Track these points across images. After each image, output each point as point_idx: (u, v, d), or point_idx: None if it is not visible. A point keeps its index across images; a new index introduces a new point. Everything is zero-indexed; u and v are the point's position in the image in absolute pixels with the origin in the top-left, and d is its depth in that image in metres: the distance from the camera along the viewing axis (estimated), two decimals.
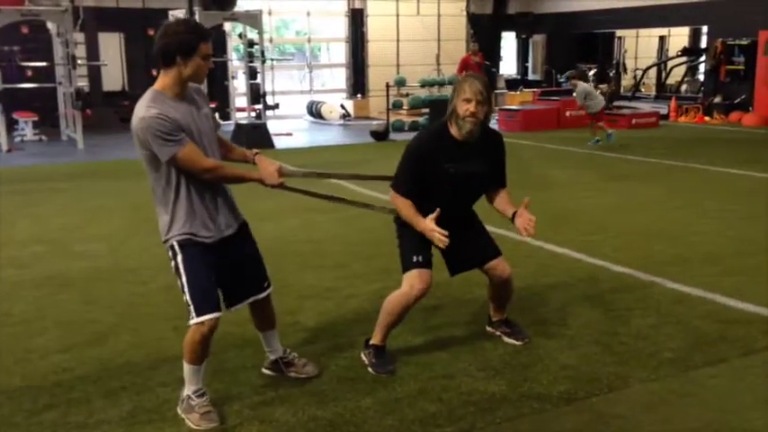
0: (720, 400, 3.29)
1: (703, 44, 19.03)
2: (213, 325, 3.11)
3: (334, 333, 4.17)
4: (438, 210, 3.44)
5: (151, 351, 3.92)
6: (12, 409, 3.31)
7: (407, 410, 3.23)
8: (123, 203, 7.96)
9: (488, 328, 4.11)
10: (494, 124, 15.46)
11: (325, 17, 20.17)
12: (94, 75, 15.92)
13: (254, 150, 3.44)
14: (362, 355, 3.80)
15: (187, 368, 3.23)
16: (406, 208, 3.57)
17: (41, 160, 11.52)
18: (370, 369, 3.69)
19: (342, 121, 17.05)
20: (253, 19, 13.69)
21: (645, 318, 4.27)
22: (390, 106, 14.58)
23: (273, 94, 17.69)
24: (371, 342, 3.76)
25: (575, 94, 12.68)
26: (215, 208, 3.19)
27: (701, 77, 18.93)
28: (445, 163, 3.55)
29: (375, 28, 19.01)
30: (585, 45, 21.39)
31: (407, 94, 15.69)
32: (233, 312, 4.42)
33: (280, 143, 13.27)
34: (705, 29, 18.43)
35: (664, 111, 16.45)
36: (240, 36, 14.37)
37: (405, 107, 15.51)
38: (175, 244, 3.11)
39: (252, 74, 14.37)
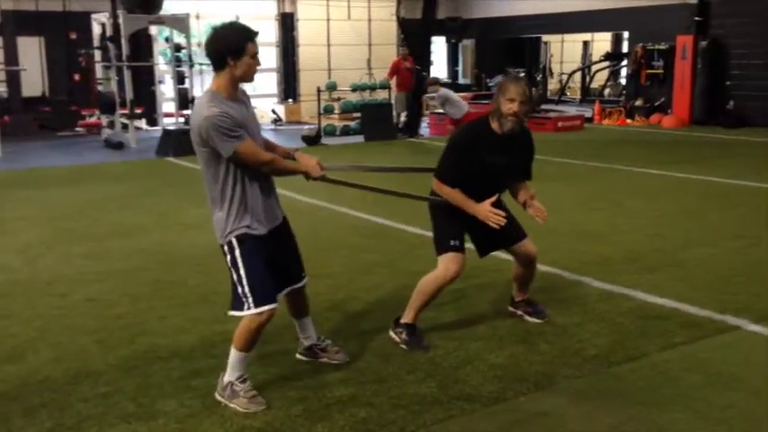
0: (642, 394, 3.39)
1: (625, 49, 19.67)
2: (271, 314, 3.30)
3: (264, 340, 4.05)
4: (496, 196, 3.88)
5: (72, 366, 3.78)
6: None
7: (338, 416, 3.21)
8: (42, 213, 7.67)
9: (510, 308, 4.40)
10: (425, 128, 15.64)
11: (255, 21, 19.99)
12: (13, 80, 15.35)
13: (295, 147, 3.68)
14: (392, 334, 4.02)
15: (235, 355, 3.36)
16: (455, 195, 3.86)
17: None
18: (403, 346, 3.93)
19: (273, 126, 16.92)
20: (180, 23, 13.45)
21: (570, 316, 4.37)
22: (322, 111, 14.54)
23: None
24: (403, 321, 4.00)
25: (434, 102, 13.07)
26: (266, 202, 3.37)
27: (623, 81, 19.56)
28: (485, 154, 3.84)
29: (306, 32, 18.95)
30: (513, 49, 21.83)
31: (339, 99, 15.68)
32: (164, 323, 4.37)
33: None
34: (626, 34, 19.06)
35: (588, 114, 16.92)
36: (167, 40, 14.09)
37: (336, 111, 15.50)
38: (233, 239, 3.27)
39: (180, 78, 14.12)
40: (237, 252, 3.27)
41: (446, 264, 3.88)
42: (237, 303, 3.30)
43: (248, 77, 3.25)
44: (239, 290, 3.27)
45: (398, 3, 16.98)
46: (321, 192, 8.05)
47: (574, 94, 21.20)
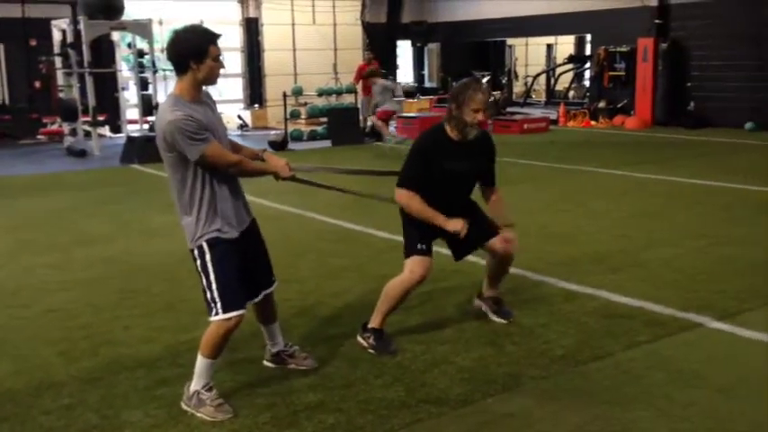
0: (606, 393, 3.43)
1: (588, 52, 19.92)
2: (239, 321, 3.29)
3: (231, 348, 4.02)
4: (465, 224, 3.83)
5: (34, 378, 3.71)
6: None
7: (305, 423, 3.20)
8: (4, 223, 7.53)
9: (476, 301, 4.44)
10: (392, 131, 15.67)
11: (219, 26, 19.84)
12: None
13: (262, 148, 3.70)
14: (360, 339, 4.01)
15: (202, 362, 3.32)
16: (415, 203, 3.86)
17: None
18: (371, 351, 3.93)
19: (239, 132, 16.80)
20: (142, 28, 13.30)
21: (537, 317, 4.41)
22: (288, 116, 14.47)
23: None
24: (370, 326, 4.00)
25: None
26: (235, 204, 3.36)
27: (587, 83, 19.80)
28: (444, 161, 3.87)
29: (271, 37, 18.86)
30: (478, 53, 21.98)
31: (305, 104, 15.64)
32: (128, 333, 4.31)
33: None
34: (589, 37, 19.30)
35: (553, 116, 17.10)
36: (129, 46, 13.92)
37: (303, 116, 15.45)
38: (204, 243, 3.26)
39: (143, 84, 13.96)
40: (208, 257, 3.25)
41: (411, 267, 3.89)
42: (207, 309, 3.28)
43: (211, 80, 3.23)
44: (208, 295, 3.26)
45: (363, 7, 17.01)
46: (288, 196, 8.02)
47: (539, 96, 21.40)
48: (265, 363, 3.82)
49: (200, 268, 3.28)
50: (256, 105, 18.76)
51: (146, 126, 13.65)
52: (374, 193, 4.15)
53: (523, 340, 4.06)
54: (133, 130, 14.27)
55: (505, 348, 3.95)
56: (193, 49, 3.14)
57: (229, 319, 3.24)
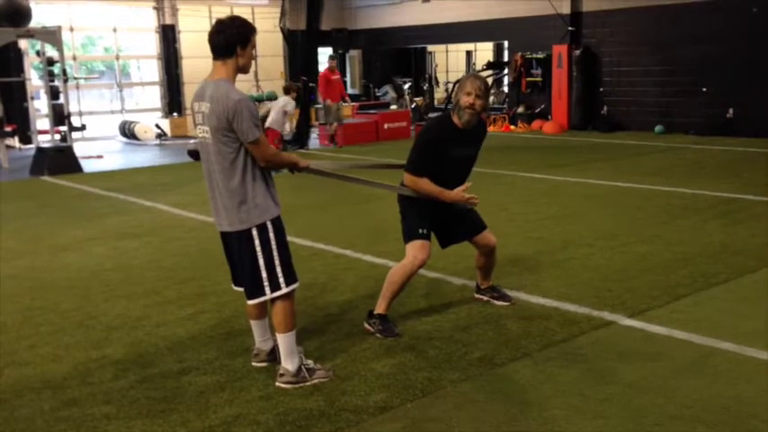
0: (523, 393, 3.47)
1: (506, 58, 20.35)
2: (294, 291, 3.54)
3: (144, 364, 3.94)
4: (465, 185, 4.18)
5: None
6: None
7: None
8: None
9: (477, 295, 4.76)
10: (314, 139, 15.61)
11: (134, 33, 19.35)
12: None
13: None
14: (367, 325, 4.24)
15: (288, 338, 3.52)
16: (427, 185, 4.13)
17: None
18: (378, 335, 4.16)
19: (158, 141, 16.40)
20: (51, 36, 12.80)
21: (457, 320, 4.44)
22: None
23: (80, 114, 16.65)
24: (376, 312, 4.23)
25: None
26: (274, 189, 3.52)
27: (506, 89, 20.22)
28: (449, 146, 4.14)
29: (188, 44, 18.52)
30: (400, 60, 22.18)
31: None
32: (34, 352, 4.11)
33: (90, 166, 12.51)
34: (506, 44, 19.73)
35: None
36: (38, 54, 13.39)
37: None
38: (268, 222, 3.40)
39: (54, 94, 13.44)
40: (271, 235, 3.40)
41: (414, 252, 4.13)
42: (261, 288, 3.42)
43: (248, 68, 3.44)
44: (264, 273, 3.39)
45: (282, 14, 16.87)
46: (207, 207, 7.84)
47: None
48: (256, 364, 3.81)
49: (259, 247, 3.39)
50: (175, 114, 18.35)
51: (57, 136, 13.14)
52: (382, 183, 4.40)
53: (443, 344, 4.07)
54: (44, 140, 13.73)
55: (425, 353, 3.96)
56: (241, 36, 3.33)
57: (294, 290, 3.47)
